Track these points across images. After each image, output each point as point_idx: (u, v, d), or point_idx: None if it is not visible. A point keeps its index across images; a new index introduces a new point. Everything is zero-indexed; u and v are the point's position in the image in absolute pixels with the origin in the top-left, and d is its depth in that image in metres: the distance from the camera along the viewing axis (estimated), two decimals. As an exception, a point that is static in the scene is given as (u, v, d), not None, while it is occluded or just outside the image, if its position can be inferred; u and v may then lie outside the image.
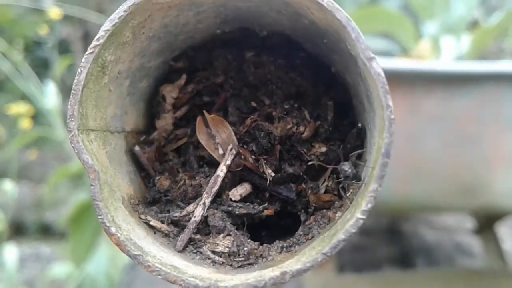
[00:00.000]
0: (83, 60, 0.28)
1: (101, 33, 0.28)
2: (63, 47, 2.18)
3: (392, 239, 1.54)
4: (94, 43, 0.28)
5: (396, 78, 0.90)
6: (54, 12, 1.40)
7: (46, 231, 2.78)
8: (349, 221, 0.27)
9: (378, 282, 1.17)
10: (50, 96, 1.40)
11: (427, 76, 0.91)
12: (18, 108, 1.43)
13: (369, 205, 0.27)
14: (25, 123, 1.44)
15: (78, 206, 1.31)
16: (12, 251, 1.42)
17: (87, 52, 0.28)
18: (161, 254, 0.29)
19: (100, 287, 1.41)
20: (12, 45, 1.63)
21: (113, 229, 0.28)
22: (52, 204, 2.67)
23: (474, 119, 0.92)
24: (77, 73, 0.28)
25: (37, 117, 1.68)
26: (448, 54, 1.37)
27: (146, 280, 1.72)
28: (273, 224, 0.36)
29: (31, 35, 2.33)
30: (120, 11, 0.28)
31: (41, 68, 2.06)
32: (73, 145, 0.28)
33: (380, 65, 0.27)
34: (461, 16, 1.45)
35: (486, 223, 1.28)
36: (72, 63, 1.65)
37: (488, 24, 1.49)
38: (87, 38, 2.35)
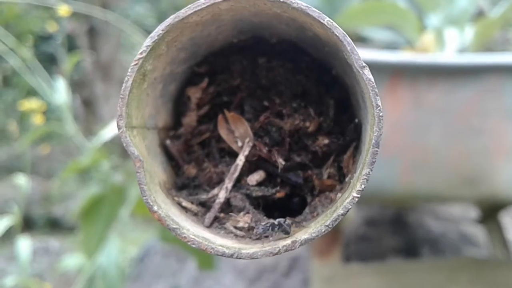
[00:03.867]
0: (129, 70, 0.36)
1: (143, 48, 0.36)
2: (69, 42, 2.25)
3: (397, 230, 1.57)
4: (138, 56, 0.36)
5: (399, 71, 0.95)
6: (63, 9, 1.48)
7: (55, 225, 2.87)
8: (347, 199, 0.35)
9: (383, 271, 1.19)
10: (60, 91, 1.47)
11: (429, 68, 0.95)
12: (30, 104, 1.50)
13: (363, 186, 0.34)
14: (38, 119, 1.51)
15: (89, 199, 1.36)
16: (25, 244, 1.49)
17: (132, 64, 0.36)
18: (193, 228, 0.37)
19: (112, 278, 1.46)
20: (19, 40, 1.70)
21: (155, 208, 0.35)
22: (60, 199, 2.76)
23: (476, 111, 0.95)
24: (125, 80, 0.36)
25: (46, 112, 1.76)
26: (452, 46, 1.40)
27: (153, 273, 1.79)
28: (284, 207, 0.44)
29: (37, 30, 2.41)
30: (158, 30, 0.36)
31: (47, 63, 2.14)
32: (122, 140, 0.35)
33: (370, 73, 0.34)
34: (465, 8, 1.49)
35: (490, 212, 1.30)
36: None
37: (492, 15, 1.53)
38: (92, 32, 2.44)
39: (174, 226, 0.35)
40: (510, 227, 1.47)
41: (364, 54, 0.97)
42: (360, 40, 2.36)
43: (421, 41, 1.47)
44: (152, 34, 0.36)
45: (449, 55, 1.33)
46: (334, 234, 1.22)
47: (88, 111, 2.84)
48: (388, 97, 0.97)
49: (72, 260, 1.57)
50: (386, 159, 0.98)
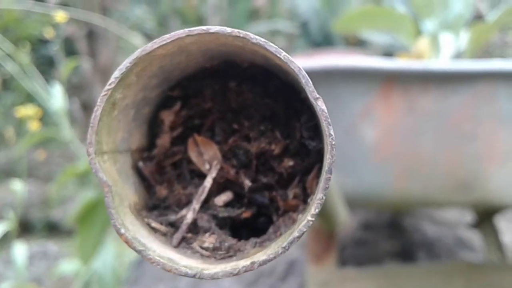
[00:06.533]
0: (98, 100, 0.38)
1: (112, 79, 0.39)
2: (67, 45, 2.29)
3: (393, 234, 1.58)
4: (107, 87, 0.38)
5: (392, 78, 0.98)
6: (60, 16, 1.51)
7: (53, 229, 2.91)
8: (302, 222, 0.37)
9: (379, 275, 1.20)
10: (56, 97, 1.50)
11: (422, 75, 0.97)
12: (27, 110, 1.53)
13: (317, 210, 0.37)
14: (34, 125, 1.55)
15: (85, 204, 1.39)
16: (21, 249, 1.53)
17: (102, 94, 0.39)
18: (160, 249, 0.40)
19: (107, 283, 1.49)
20: (17, 44, 1.73)
21: (122, 230, 0.38)
22: (59, 202, 2.79)
23: (468, 117, 0.97)
24: (94, 110, 0.38)
25: (43, 117, 1.79)
26: (447, 51, 1.42)
27: (152, 276, 1.81)
28: (252, 225, 0.47)
29: (35, 34, 2.44)
30: (126, 63, 0.39)
31: (46, 66, 2.17)
32: (91, 166, 0.38)
33: (324, 104, 0.37)
34: (460, 13, 1.50)
35: (485, 216, 1.32)
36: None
37: (488, 19, 1.54)
38: (91, 36, 2.47)
39: (141, 248, 0.38)
40: (506, 231, 1.49)
41: (358, 61, 1.00)
42: (360, 43, 2.38)
43: (416, 46, 1.49)
44: (120, 66, 0.39)
45: (442, 61, 1.35)
46: (329, 238, 1.24)
47: (87, 114, 2.88)
48: (381, 104, 0.99)
49: (69, 265, 1.60)
50: (380, 165, 1.00)
